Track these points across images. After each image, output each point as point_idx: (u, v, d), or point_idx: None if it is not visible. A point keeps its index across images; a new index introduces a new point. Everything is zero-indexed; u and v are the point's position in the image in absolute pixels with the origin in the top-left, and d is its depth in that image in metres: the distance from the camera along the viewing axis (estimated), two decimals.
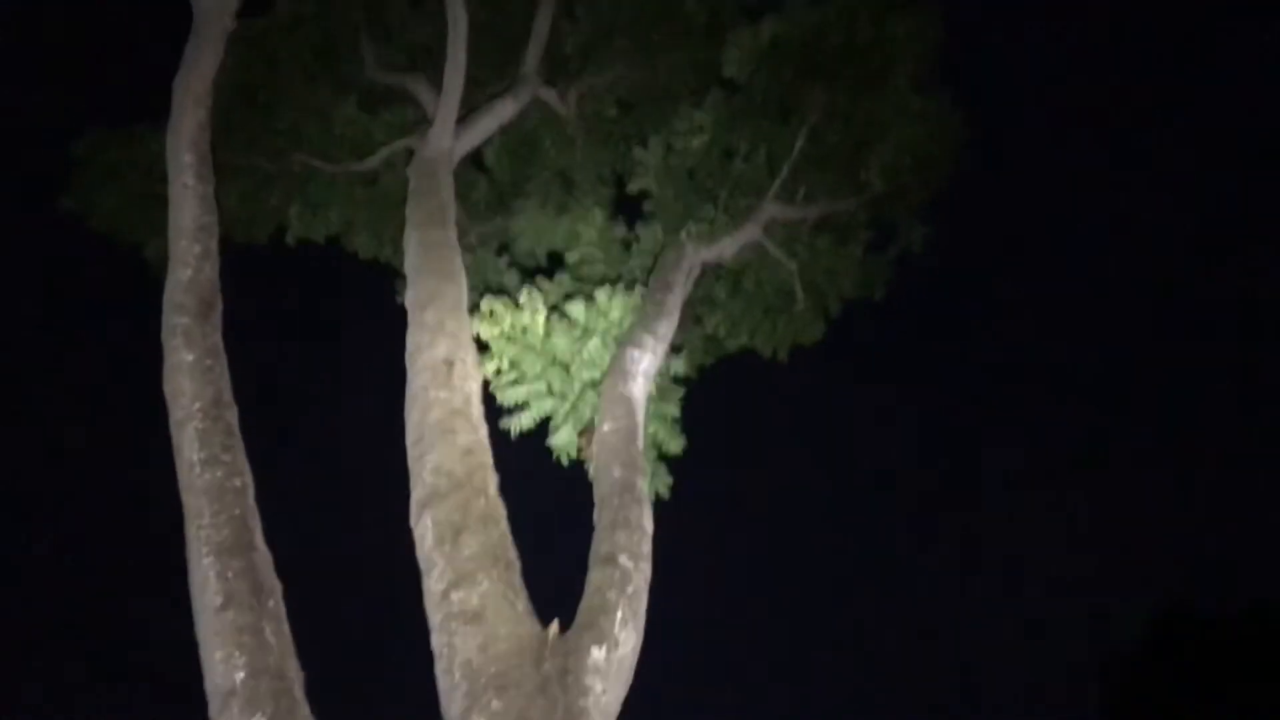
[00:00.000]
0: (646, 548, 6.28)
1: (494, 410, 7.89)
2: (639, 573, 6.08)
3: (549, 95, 10.50)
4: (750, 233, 9.76)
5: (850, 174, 10.12)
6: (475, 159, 11.41)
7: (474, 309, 8.06)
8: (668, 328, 7.98)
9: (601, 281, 9.58)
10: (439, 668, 5.64)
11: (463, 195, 11.46)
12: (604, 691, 5.50)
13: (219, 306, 6.85)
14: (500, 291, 9.31)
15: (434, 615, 5.83)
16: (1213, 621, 17.16)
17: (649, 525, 6.42)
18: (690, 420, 8.37)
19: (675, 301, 8.31)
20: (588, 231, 10.16)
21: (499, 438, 7.76)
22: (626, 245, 10.14)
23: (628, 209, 10.51)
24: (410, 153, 9.81)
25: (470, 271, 10.89)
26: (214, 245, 7.10)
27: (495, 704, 5.30)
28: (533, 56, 10.25)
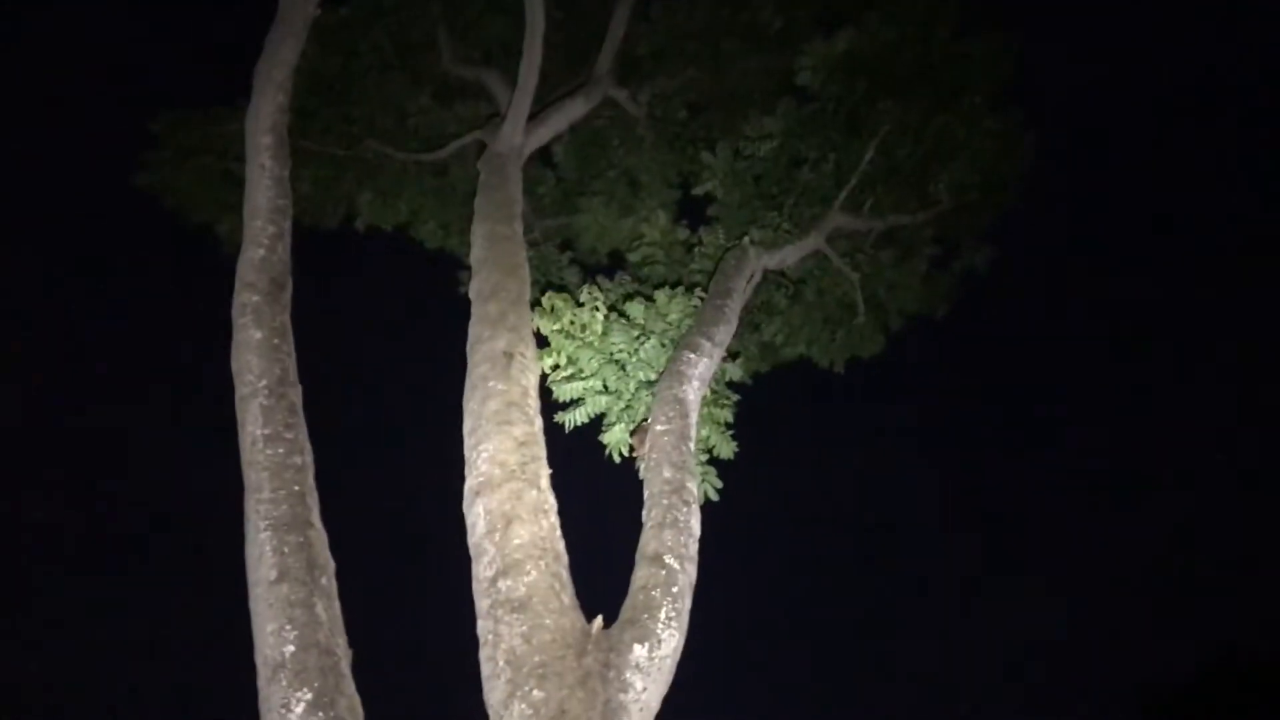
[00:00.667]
0: (693, 549, 6.30)
1: (549, 404, 7.96)
2: (684, 573, 6.11)
3: (621, 95, 10.58)
4: (814, 242, 9.74)
5: (918, 189, 10.07)
6: (544, 155, 11.56)
7: (535, 303, 8.14)
8: (725, 333, 8.00)
9: (662, 283, 9.64)
10: (483, 654, 5.72)
11: (529, 190, 11.61)
12: (644, 689, 5.54)
13: (289, 287, 7.00)
14: (561, 288, 9.39)
15: (481, 601, 5.92)
16: (1264, 669, 16.77)
17: (697, 527, 6.44)
18: (744, 425, 8.38)
19: (734, 307, 8.33)
20: (651, 232, 10.18)
21: (553, 431, 7.84)
22: (689, 248, 10.14)
23: (692, 212, 10.55)
24: (481, 146, 9.95)
25: (532, 266, 11.02)
26: (287, 226, 7.25)
27: (536, 693, 5.37)
28: (606, 57, 10.34)
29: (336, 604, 5.69)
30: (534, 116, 9.65)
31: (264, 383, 6.35)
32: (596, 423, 8.17)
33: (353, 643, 5.67)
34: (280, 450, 6.09)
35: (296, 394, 6.45)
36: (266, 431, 6.14)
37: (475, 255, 8.00)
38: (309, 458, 6.20)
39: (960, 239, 10.55)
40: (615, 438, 8.04)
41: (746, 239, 9.38)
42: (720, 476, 8.06)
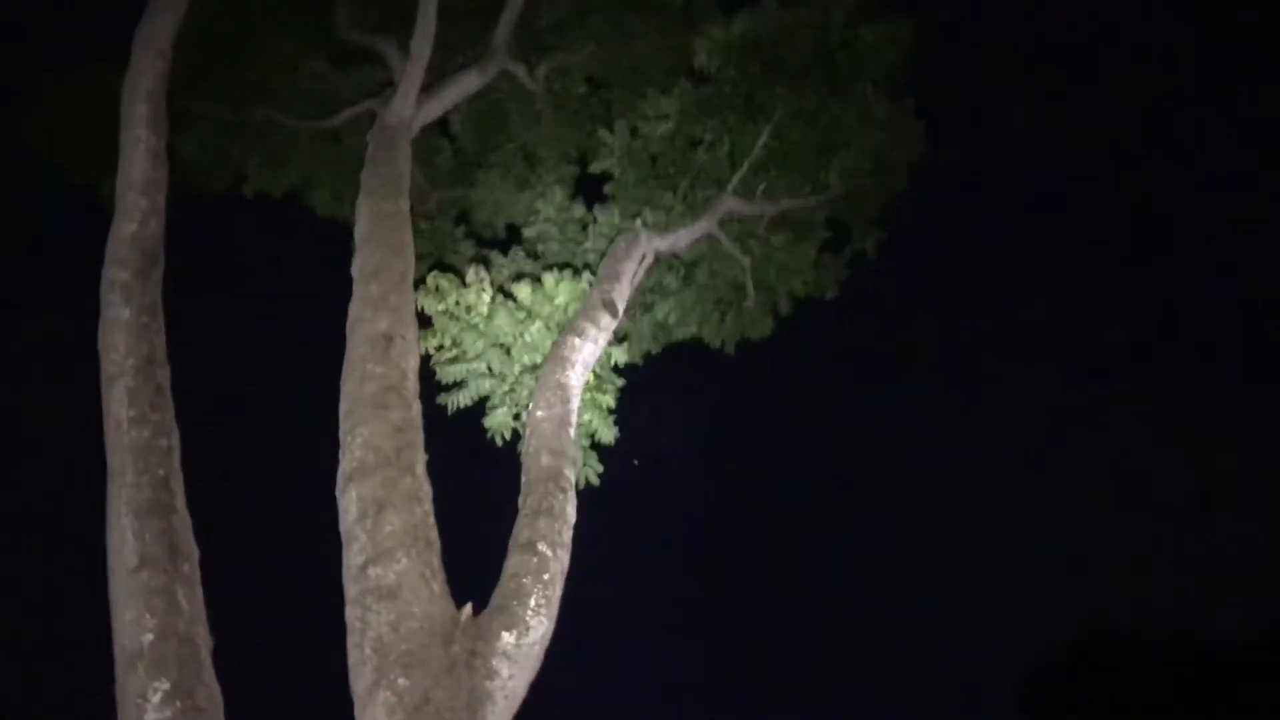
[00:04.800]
0: (567, 536, 6.38)
1: (433, 386, 7.94)
2: (557, 561, 6.19)
3: (518, 69, 10.46)
4: (706, 225, 9.81)
5: (811, 174, 10.18)
6: (442, 125, 11.39)
7: (420, 282, 8.07)
8: (611, 319, 8.03)
9: (556, 261, 9.66)
10: (350, 641, 5.71)
11: (426, 160, 11.46)
12: (510, 676, 5.62)
13: (161, 263, 6.83)
14: (450, 267, 9.33)
15: (350, 589, 5.90)
16: (1136, 637, 17.49)
17: (572, 514, 6.52)
18: (629, 410, 8.45)
19: (622, 292, 8.36)
20: (546, 208, 10.16)
21: (436, 413, 7.83)
22: (584, 226, 10.14)
23: (590, 190, 10.54)
24: (375, 115, 9.78)
25: (426, 238, 10.94)
26: (161, 200, 7.06)
27: (402, 681, 5.39)
28: (504, 29, 10.18)
29: (199, 592, 5.62)
30: (429, 88, 9.51)
31: (130, 362, 6.21)
32: (480, 406, 8.18)
33: (216, 631, 5.62)
34: (146, 433, 5.97)
35: (165, 375, 6.31)
36: (132, 413, 6.01)
37: (359, 232, 7.89)
38: (175, 440, 6.09)
39: (851, 223, 10.70)
40: (498, 421, 8.05)
41: (639, 221, 9.42)
42: (601, 460, 8.14)
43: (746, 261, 10.15)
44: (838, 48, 9.69)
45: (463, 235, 11.22)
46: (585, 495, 7.45)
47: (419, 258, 10.42)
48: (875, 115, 9.91)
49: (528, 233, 10.26)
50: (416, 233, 10.51)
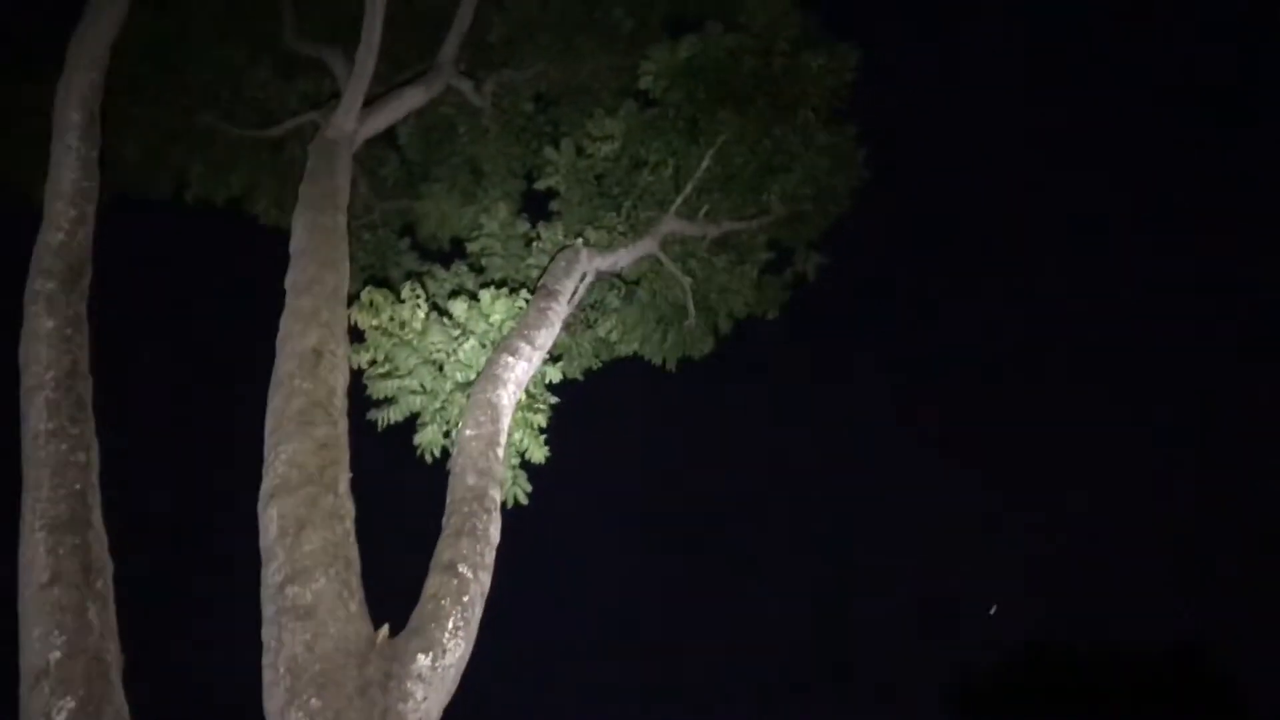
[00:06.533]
0: (489, 558, 6.39)
1: (364, 401, 7.92)
2: (477, 582, 6.19)
3: (464, 85, 10.47)
4: (648, 245, 9.87)
5: (753, 197, 10.28)
6: (389, 136, 11.36)
7: (355, 297, 8.04)
8: (547, 337, 8.04)
9: (499, 276, 9.68)
10: (265, 660, 5.69)
11: (371, 171, 11.46)
12: (425, 699, 5.62)
13: (88, 274, 6.77)
14: (383, 281, 9.31)
15: (268, 607, 5.88)
16: (1069, 657, 17.71)
17: (495, 535, 6.53)
18: (562, 429, 8.46)
19: (559, 311, 8.37)
20: (490, 223, 10.16)
21: (365, 428, 7.82)
22: (528, 242, 10.15)
23: (535, 206, 10.57)
24: (317, 127, 9.74)
25: (368, 250, 10.93)
26: (91, 211, 6.99)
27: (314, 702, 5.38)
28: (451, 45, 10.20)
29: (111, 608, 5.57)
30: (373, 101, 9.49)
31: (51, 374, 6.15)
32: (410, 422, 8.16)
33: (131, 648, 5.58)
34: (64, 446, 5.91)
35: (86, 387, 6.26)
36: (50, 426, 5.96)
37: (295, 245, 7.83)
38: (94, 454, 6.04)
39: (793, 245, 10.80)
40: (428, 438, 8.04)
41: (580, 240, 9.45)
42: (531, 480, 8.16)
43: (688, 282, 10.22)
44: (781, 74, 9.79)
45: (406, 248, 11.19)
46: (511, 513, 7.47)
47: (360, 269, 10.44)
48: (817, 140, 10.02)
49: (472, 247, 10.24)
50: (359, 244, 10.53)
